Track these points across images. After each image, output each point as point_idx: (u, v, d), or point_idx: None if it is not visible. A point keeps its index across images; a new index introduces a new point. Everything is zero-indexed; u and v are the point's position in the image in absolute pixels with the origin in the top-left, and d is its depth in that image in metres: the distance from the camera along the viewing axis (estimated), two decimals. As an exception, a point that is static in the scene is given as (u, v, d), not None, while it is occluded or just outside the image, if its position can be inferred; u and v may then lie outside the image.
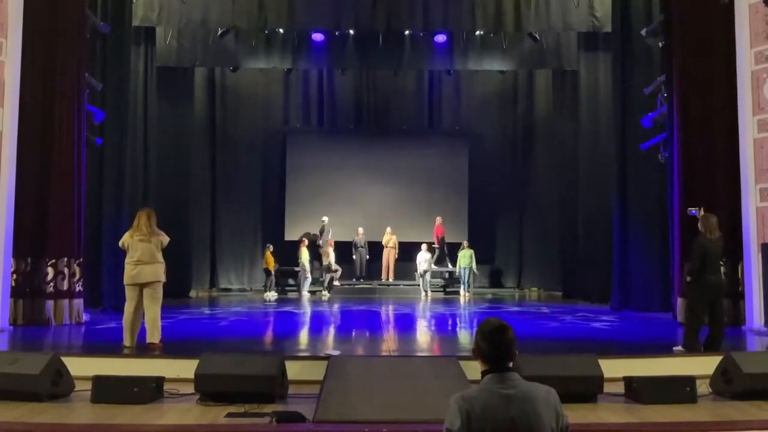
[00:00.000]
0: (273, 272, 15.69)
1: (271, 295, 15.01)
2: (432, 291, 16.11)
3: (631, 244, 11.82)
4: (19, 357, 5.36)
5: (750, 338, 8.17)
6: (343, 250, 17.19)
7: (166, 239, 7.01)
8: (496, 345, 2.68)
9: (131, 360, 6.27)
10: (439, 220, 17.26)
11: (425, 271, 15.97)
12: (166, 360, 6.22)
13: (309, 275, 15.87)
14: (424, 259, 16.02)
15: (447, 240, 17.19)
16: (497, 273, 18.08)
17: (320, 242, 16.42)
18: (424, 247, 16.28)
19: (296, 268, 16.13)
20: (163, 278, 6.92)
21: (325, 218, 16.62)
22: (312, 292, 15.96)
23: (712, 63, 9.48)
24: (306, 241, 16.21)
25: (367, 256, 16.96)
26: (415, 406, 4.75)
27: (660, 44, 11.12)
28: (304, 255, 15.82)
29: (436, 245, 16.93)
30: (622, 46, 12.17)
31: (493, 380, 2.64)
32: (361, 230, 17.14)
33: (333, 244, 16.37)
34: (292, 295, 15.99)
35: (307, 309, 12.67)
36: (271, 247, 15.89)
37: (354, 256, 17.00)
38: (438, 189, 18.12)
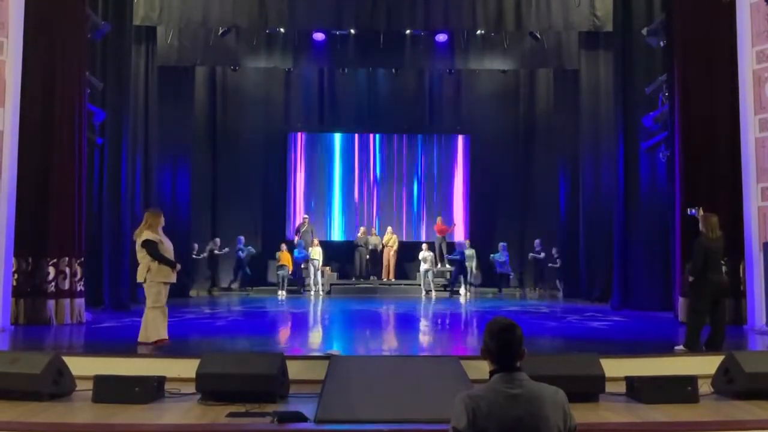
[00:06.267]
0: (289, 271, 15.83)
1: (284, 294, 15.22)
2: (432, 290, 16.10)
3: (632, 244, 11.81)
4: (21, 356, 5.36)
5: (752, 337, 8.15)
6: (345, 249, 17.22)
7: (141, 239, 6.93)
8: (504, 344, 2.66)
9: (132, 359, 6.27)
10: (439, 219, 17.33)
11: (427, 270, 15.97)
12: (167, 359, 6.22)
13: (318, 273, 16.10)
14: (425, 258, 16.02)
15: (448, 240, 17.23)
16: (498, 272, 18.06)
17: (295, 239, 16.63)
18: (425, 246, 16.31)
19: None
20: (141, 278, 6.94)
21: (306, 216, 17.00)
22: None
23: (713, 62, 9.47)
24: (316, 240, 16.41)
25: (367, 256, 16.97)
26: (416, 405, 4.74)
27: (661, 43, 11.11)
28: (317, 253, 15.99)
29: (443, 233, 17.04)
30: (623, 45, 12.17)
31: (500, 380, 2.62)
32: (362, 229, 17.17)
33: (318, 243, 16.46)
34: (295, 294, 15.99)
35: (307, 308, 12.67)
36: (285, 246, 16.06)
37: (356, 254, 17.02)
38: (439, 188, 18.15)
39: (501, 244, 16.44)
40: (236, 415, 4.66)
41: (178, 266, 7.11)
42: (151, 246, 6.87)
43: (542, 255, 16.08)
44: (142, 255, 6.93)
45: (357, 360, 6.16)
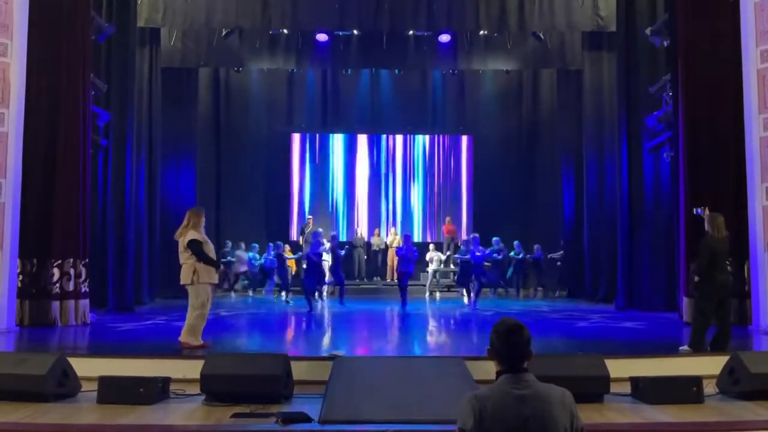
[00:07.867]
0: (292, 272, 15.87)
1: (286, 295, 15.23)
2: (437, 291, 16.08)
3: (637, 244, 11.80)
4: (26, 357, 5.38)
5: (757, 338, 8.13)
6: (348, 250, 17.20)
7: (186, 239, 6.79)
8: (511, 345, 2.66)
9: (137, 360, 6.28)
10: (448, 219, 17.35)
11: (435, 271, 15.96)
12: (172, 360, 6.24)
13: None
14: (433, 259, 16.00)
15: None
16: (501, 273, 18.03)
17: (300, 240, 16.56)
18: (431, 247, 16.31)
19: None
20: (187, 281, 6.78)
21: (311, 217, 16.85)
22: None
23: (717, 61, 9.45)
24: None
25: (365, 256, 16.93)
26: (420, 406, 4.74)
27: (665, 43, 11.09)
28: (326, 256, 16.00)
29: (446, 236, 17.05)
30: (627, 45, 12.15)
31: (507, 380, 2.62)
32: (360, 230, 17.17)
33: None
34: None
35: (311, 309, 12.65)
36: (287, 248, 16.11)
37: (354, 255, 17.04)
38: (442, 189, 18.17)
39: (405, 235, 16.14)
40: (241, 415, 4.68)
41: (222, 267, 7.10)
42: (197, 246, 6.75)
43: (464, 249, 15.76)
44: (187, 255, 6.78)
45: (361, 360, 6.16)
